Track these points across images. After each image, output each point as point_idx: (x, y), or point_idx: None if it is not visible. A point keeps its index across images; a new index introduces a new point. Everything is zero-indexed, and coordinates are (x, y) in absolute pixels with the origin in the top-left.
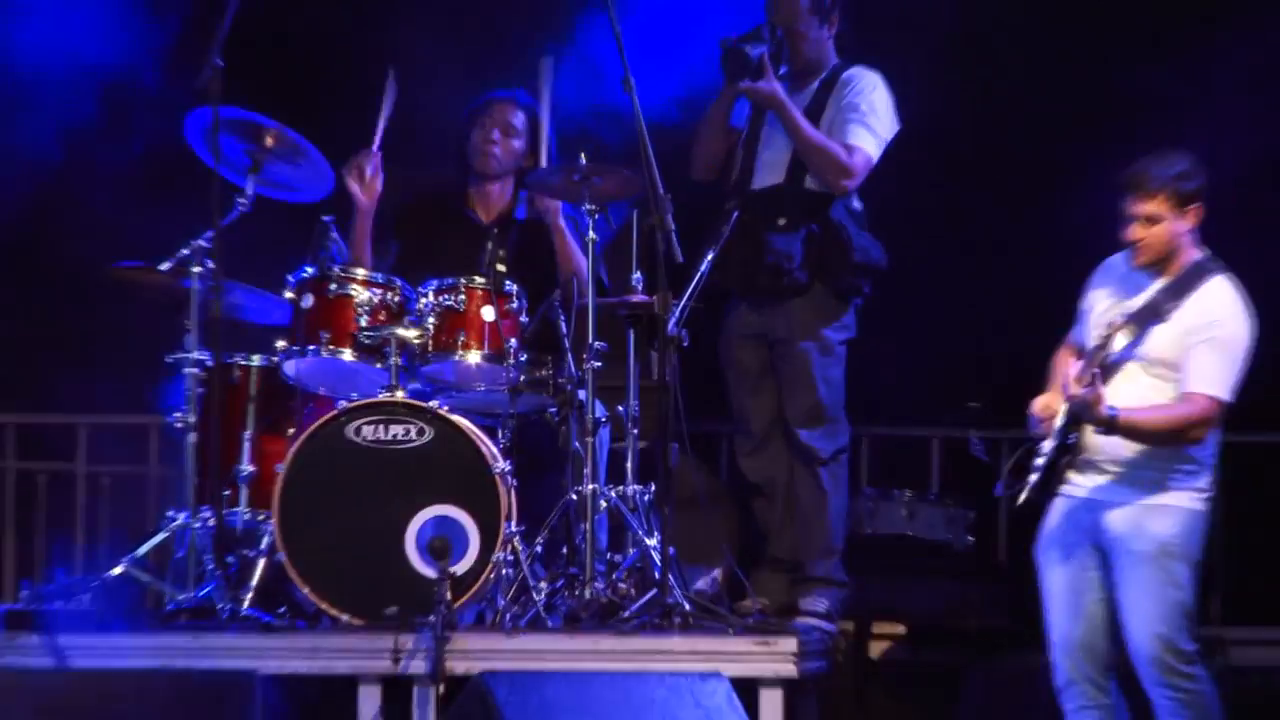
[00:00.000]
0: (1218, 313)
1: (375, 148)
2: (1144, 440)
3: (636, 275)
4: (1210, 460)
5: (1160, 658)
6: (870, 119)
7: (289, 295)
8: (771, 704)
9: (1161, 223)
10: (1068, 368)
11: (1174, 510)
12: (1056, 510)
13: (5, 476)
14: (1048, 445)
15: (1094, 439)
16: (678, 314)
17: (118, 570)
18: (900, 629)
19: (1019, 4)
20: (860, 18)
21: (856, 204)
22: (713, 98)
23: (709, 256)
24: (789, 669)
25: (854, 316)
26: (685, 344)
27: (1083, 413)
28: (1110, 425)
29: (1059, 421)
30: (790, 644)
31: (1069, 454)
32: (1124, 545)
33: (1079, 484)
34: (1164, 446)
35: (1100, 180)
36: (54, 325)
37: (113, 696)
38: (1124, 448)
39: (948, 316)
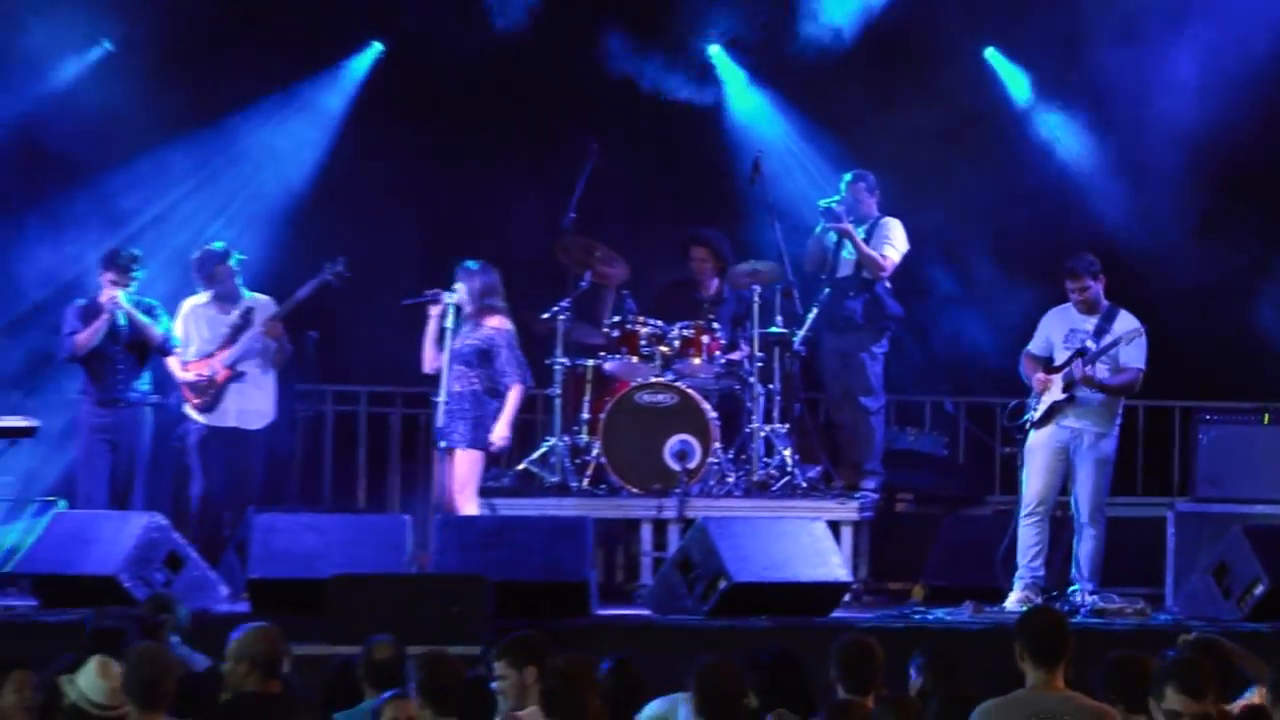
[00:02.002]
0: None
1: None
2: (1110, 394)
3: (778, 319)
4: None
5: (1094, 511)
6: (892, 244)
7: (604, 330)
8: (846, 535)
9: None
10: (1036, 365)
11: (1111, 436)
12: (1045, 431)
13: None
14: (1045, 399)
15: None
16: (800, 337)
17: (521, 467)
18: (910, 496)
19: None
20: None
21: (887, 284)
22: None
23: (814, 310)
24: (854, 517)
25: (887, 342)
26: (804, 353)
27: (1084, 382)
28: (1098, 387)
29: (1056, 394)
30: (855, 504)
31: (1059, 408)
32: (1086, 452)
33: (1060, 420)
34: (1115, 397)
35: None
36: None
37: (517, 527)
38: (1093, 399)
39: None
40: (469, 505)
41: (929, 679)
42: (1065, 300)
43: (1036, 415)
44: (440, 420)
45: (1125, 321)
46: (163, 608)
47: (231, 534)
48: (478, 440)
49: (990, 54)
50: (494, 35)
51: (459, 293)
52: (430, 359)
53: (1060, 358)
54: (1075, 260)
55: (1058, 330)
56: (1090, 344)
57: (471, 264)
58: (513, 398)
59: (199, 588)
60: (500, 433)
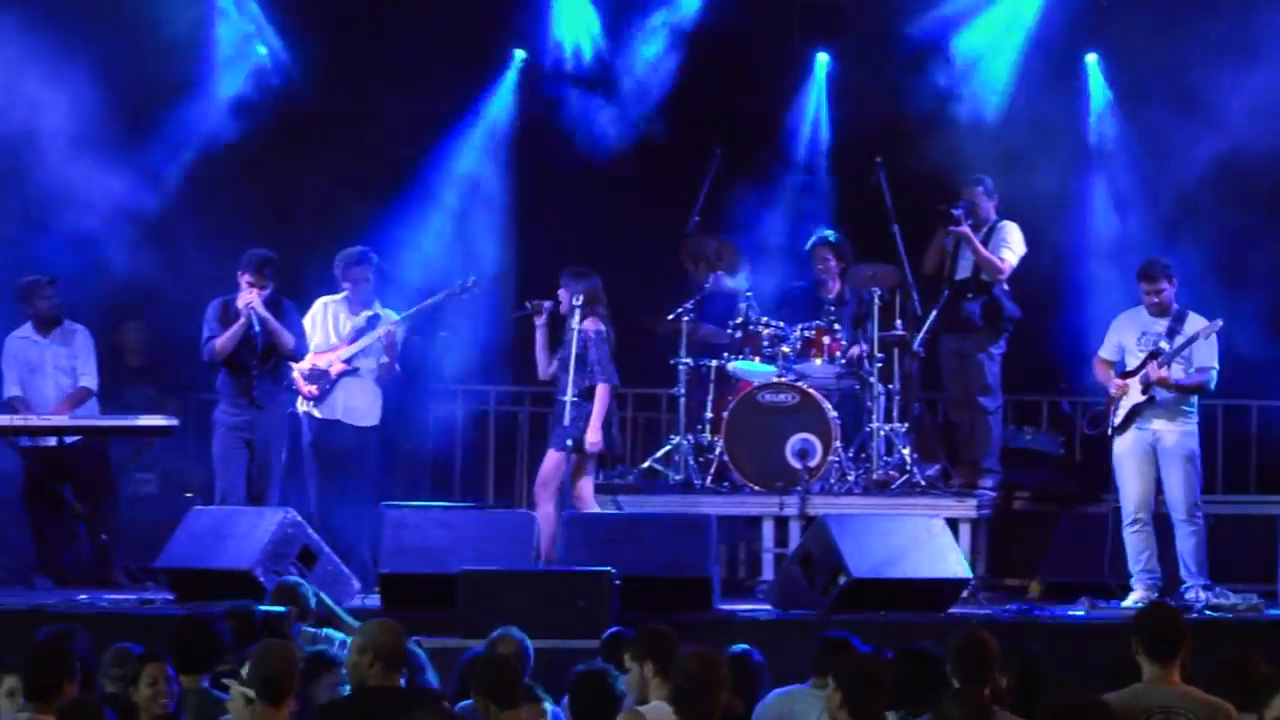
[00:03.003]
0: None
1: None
2: (1186, 393)
3: (899, 321)
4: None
5: (1190, 508)
6: (1010, 247)
7: (728, 330)
8: (964, 533)
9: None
10: (1109, 370)
11: (1193, 433)
12: (1128, 436)
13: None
14: (1125, 404)
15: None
16: (920, 339)
17: (645, 465)
18: (1027, 494)
19: None
20: None
21: (1005, 286)
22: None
23: (934, 312)
24: (972, 514)
25: (1005, 342)
26: (923, 354)
27: (1159, 383)
28: (1174, 387)
29: (1135, 397)
30: (973, 502)
31: (1139, 410)
32: (1171, 452)
33: (1140, 423)
34: (1190, 395)
35: None
36: None
37: (642, 523)
38: (1169, 399)
39: None
40: (547, 505)
41: (1011, 678)
42: (1138, 304)
43: (1117, 420)
44: (566, 420)
45: (1195, 322)
46: (284, 600)
47: (360, 530)
48: (607, 446)
49: None
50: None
51: (561, 299)
52: (544, 366)
53: (1134, 361)
54: (1150, 262)
55: (1130, 333)
56: (1164, 345)
57: (574, 270)
58: (600, 397)
59: (332, 582)
60: (592, 438)
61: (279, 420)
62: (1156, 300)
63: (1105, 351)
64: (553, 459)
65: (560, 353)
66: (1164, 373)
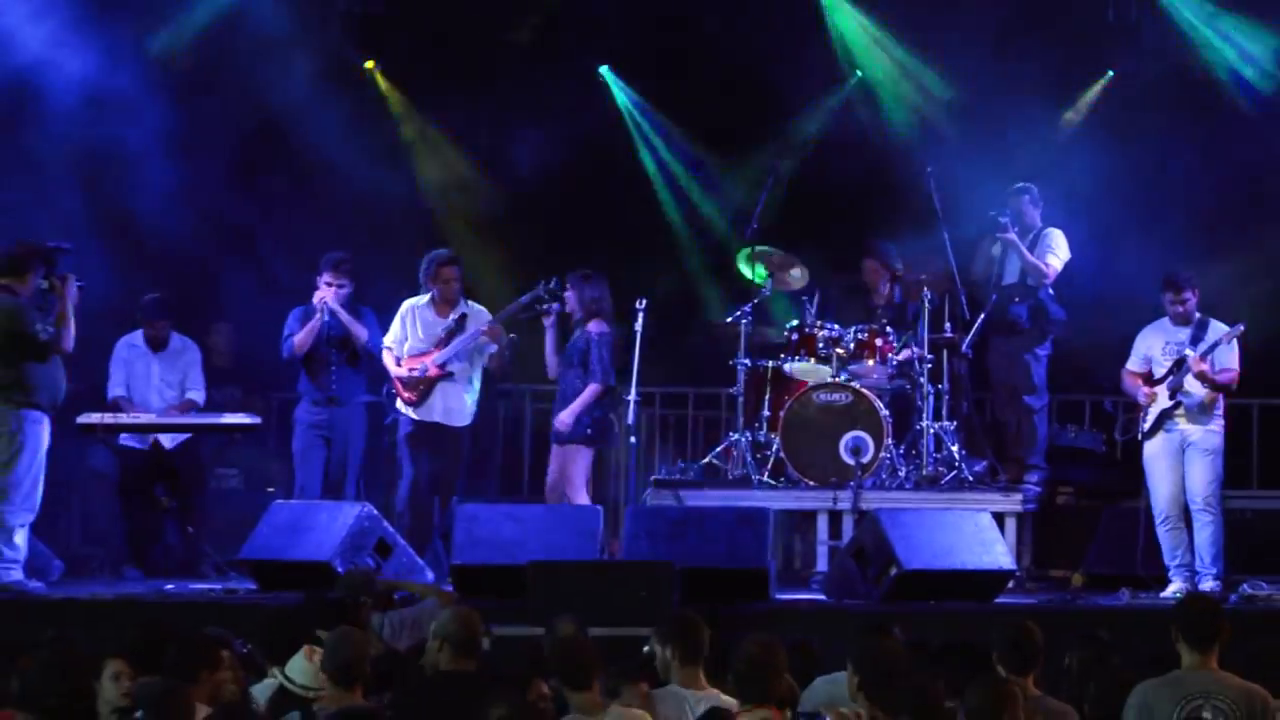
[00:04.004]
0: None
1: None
2: (1214, 390)
3: (947, 324)
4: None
5: (1208, 499)
6: (1055, 252)
7: (786, 332)
8: (1010, 527)
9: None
10: (1138, 380)
11: (1217, 431)
12: (1157, 439)
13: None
14: (1154, 410)
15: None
16: (968, 341)
17: (706, 460)
18: (1070, 489)
19: None
20: None
21: (1050, 290)
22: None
23: (982, 316)
24: (1018, 509)
25: (1050, 344)
26: (971, 355)
27: (1198, 377)
28: (1211, 382)
29: (1163, 403)
30: (1019, 497)
31: (1167, 415)
32: (1195, 445)
33: (1168, 427)
34: (1215, 394)
35: None
36: None
37: (702, 517)
38: (1195, 402)
39: None
40: (579, 496)
41: (1079, 664)
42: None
43: (1147, 426)
44: (630, 418)
45: (1217, 329)
46: (360, 589)
47: (438, 523)
48: (576, 434)
49: None
50: None
51: (568, 301)
52: (552, 366)
53: (1160, 369)
54: (1175, 273)
55: (1156, 344)
56: (1189, 351)
57: (580, 273)
58: (587, 393)
59: (407, 573)
60: (563, 418)
61: (357, 417)
62: (1181, 310)
63: (1133, 364)
64: (561, 453)
65: (566, 351)
66: (1204, 365)
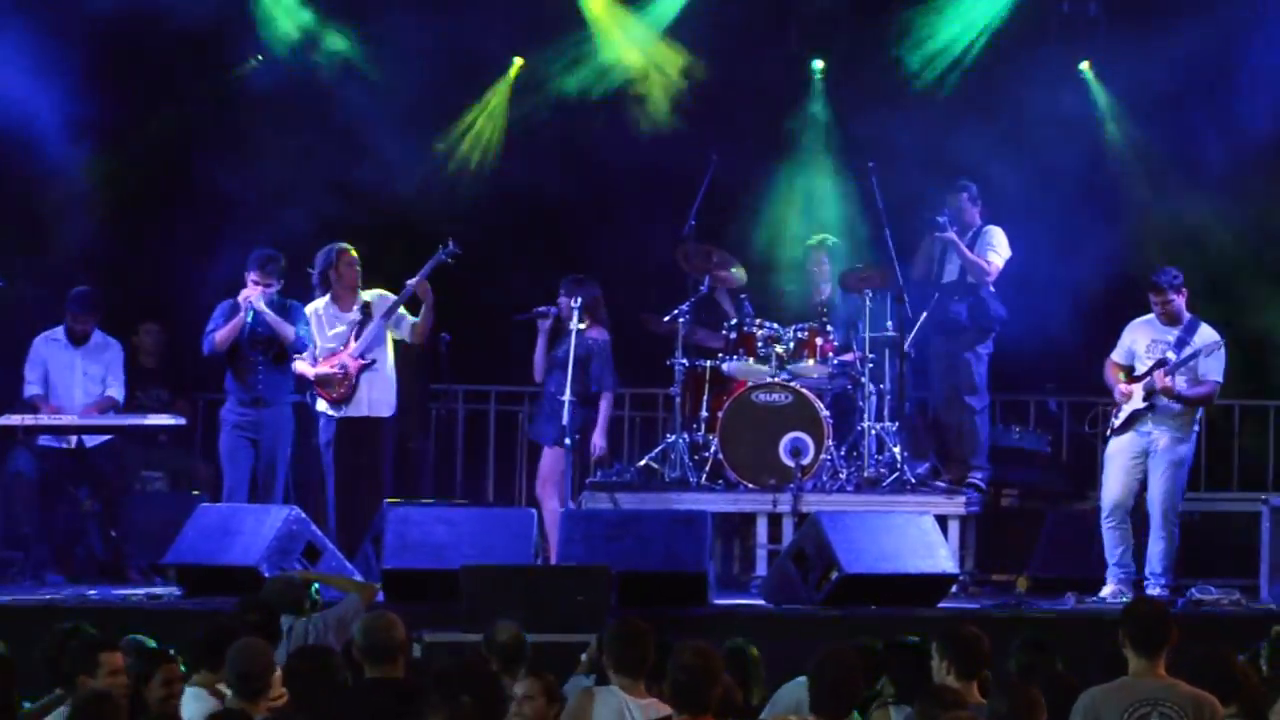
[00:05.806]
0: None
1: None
2: (1188, 404)
3: (889, 323)
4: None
5: (1167, 511)
6: (996, 250)
7: (723, 332)
8: (953, 529)
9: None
10: (1119, 373)
11: (1188, 442)
12: (1125, 438)
13: None
14: (1127, 408)
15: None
16: (910, 340)
17: (642, 462)
18: (1015, 491)
19: None
20: None
21: (992, 288)
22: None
23: (924, 314)
24: (961, 511)
25: (992, 343)
26: (913, 355)
27: (1163, 392)
28: (1176, 397)
29: (1137, 403)
30: (962, 499)
31: (1140, 415)
32: (1161, 454)
33: (1139, 427)
34: (1191, 406)
35: None
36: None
37: (640, 519)
38: (1171, 407)
39: None
40: (552, 500)
41: (1024, 668)
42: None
43: (1117, 423)
44: (566, 419)
45: (1205, 334)
46: (286, 594)
47: (367, 526)
48: (562, 439)
49: None
50: None
51: (562, 305)
52: (540, 369)
53: (1141, 367)
54: (1159, 274)
55: (1141, 340)
56: (1171, 355)
57: (575, 277)
58: (605, 405)
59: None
60: (599, 442)
61: (284, 418)
62: (1163, 311)
63: (1117, 355)
64: (551, 456)
65: (558, 355)
66: (1169, 381)
